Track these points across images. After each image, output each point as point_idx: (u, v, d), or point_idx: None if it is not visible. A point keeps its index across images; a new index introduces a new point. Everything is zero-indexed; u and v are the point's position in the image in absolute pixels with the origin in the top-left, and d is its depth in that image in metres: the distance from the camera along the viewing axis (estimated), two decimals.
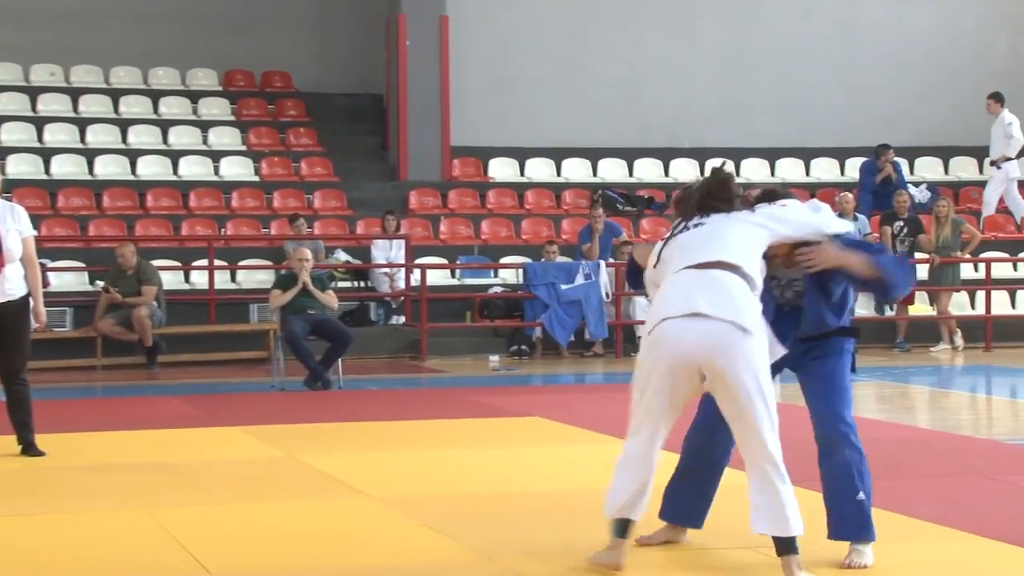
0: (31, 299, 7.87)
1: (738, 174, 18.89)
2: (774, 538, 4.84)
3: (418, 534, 5.78)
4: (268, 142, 18.28)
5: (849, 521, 4.98)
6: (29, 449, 7.96)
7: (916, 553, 5.32)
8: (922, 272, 15.99)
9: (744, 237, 4.94)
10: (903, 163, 18.37)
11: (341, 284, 15.32)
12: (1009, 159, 17.40)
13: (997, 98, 17.48)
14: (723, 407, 4.90)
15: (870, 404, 10.91)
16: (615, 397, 11.24)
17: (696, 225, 5.02)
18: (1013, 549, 5.25)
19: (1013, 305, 16.75)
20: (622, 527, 5.06)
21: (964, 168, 19.05)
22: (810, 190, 18.64)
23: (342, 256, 16.06)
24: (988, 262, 16.37)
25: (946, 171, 18.88)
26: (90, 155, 17.28)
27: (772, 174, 18.99)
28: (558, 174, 18.72)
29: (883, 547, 5.19)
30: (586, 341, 15.34)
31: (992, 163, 17.51)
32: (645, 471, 4.97)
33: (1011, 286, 16.72)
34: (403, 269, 15.60)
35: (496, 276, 16.35)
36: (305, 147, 18.39)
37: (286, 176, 17.81)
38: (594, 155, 18.80)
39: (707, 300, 4.77)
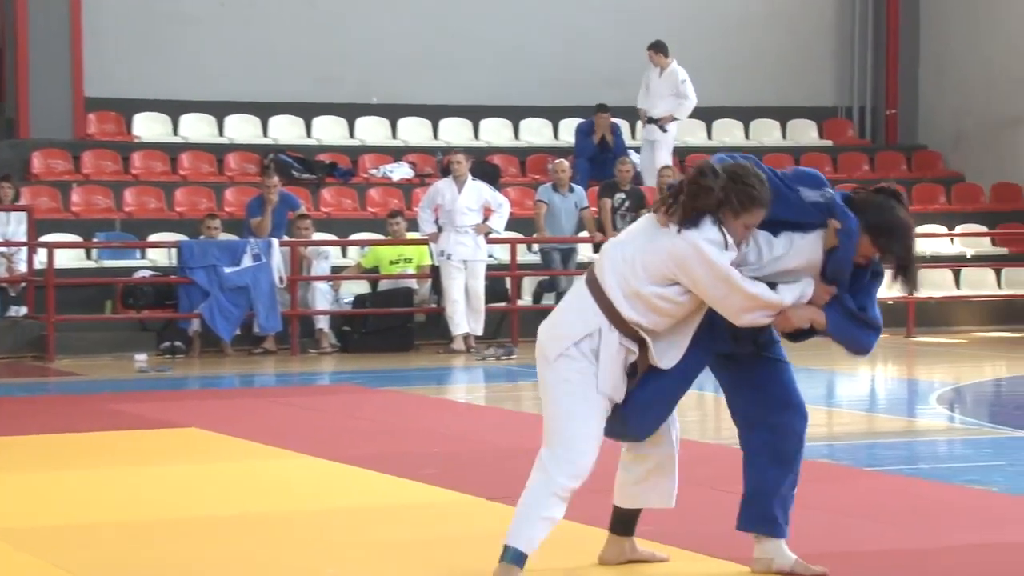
0: None
1: (436, 136, 19.09)
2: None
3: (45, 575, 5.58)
4: None
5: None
6: None
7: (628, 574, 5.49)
8: None
9: (653, 269, 5.13)
10: (624, 126, 18.93)
11: None
12: (675, 120, 18.00)
13: (660, 48, 18.02)
14: None
15: None
16: (290, 402, 11.19)
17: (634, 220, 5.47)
18: (735, 568, 5.47)
19: None
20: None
21: (692, 132, 19.80)
22: (518, 155, 19.02)
23: None
24: None
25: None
26: None
27: (476, 136, 19.24)
28: (220, 134, 18.42)
29: (591, 567, 5.35)
30: (255, 335, 15.19)
31: (650, 121, 18.03)
32: None
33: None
34: (24, 248, 15.05)
35: (143, 257, 15.99)
36: None
37: None
38: (265, 111, 18.57)
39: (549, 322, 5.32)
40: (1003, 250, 18.63)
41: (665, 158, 17.91)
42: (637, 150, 18.74)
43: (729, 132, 20.09)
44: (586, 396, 5.14)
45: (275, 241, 15.16)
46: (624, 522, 5.52)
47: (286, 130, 18.63)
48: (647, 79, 18.05)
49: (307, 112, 18.76)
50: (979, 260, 18.38)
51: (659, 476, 5.46)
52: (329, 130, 18.80)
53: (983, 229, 18.72)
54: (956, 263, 18.29)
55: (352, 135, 18.89)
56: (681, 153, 18.65)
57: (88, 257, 15.93)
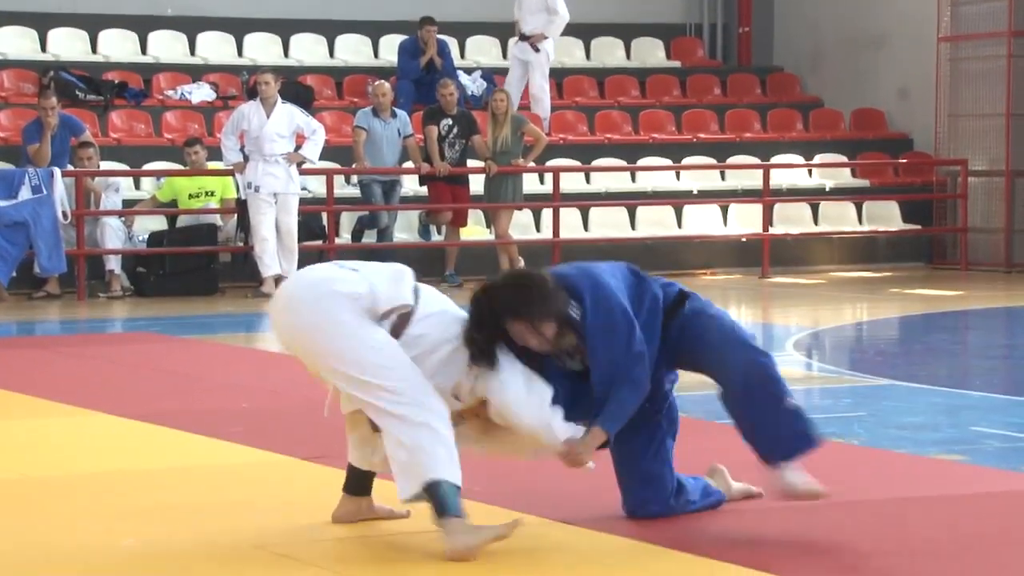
0: None
1: (240, 53, 18.89)
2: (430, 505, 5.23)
3: None
4: None
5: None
6: None
7: None
8: (476, 184, 16.59)
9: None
10: (452, 43, 18.91)
11: None
12: (546, 38, 18.20)
13: None
14: None
15: None
16: (78, 353, 11.05)
17: None
18: (561, 527, 5.59)
19: (585, 226, 17.71)
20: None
21: (526, 52, 19.81)
22: (334, 76, 18.90)
23: None
24: (556, 172, 17.19)
25: (503, 55, 19.61)
26: None
27: (285, 54, 19.06)
28: None
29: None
30: (36, 277, 14.98)
31: (524, 38, 18.23)
32: None
33: (583, 202, 17.67)
34: None
35: None
36: None
37: None
38: (44, 23, 18.20)
39: None
40: (864, 182, 19.07)
41: (540, 82, 18.05)
42: (468, 71, 18.76)
43: (568, 52, 20.18)
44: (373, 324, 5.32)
45: (57, 171, 14.89)
46: (359, 481, 5.64)
47: (68, 45, 18.27)
48: None
49: (92, 25, 18.42)
50: (839, 193, 18.78)
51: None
52: (117, 45, 18.49)
53: (843, 159, 19.13)
54: (814, 196, 18.66)
55: (144, 51, 18.60)
56: None
57: None
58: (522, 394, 5.35)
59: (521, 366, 5.38)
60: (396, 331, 5.32)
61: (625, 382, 5.43)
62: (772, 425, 5.64)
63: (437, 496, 5.17)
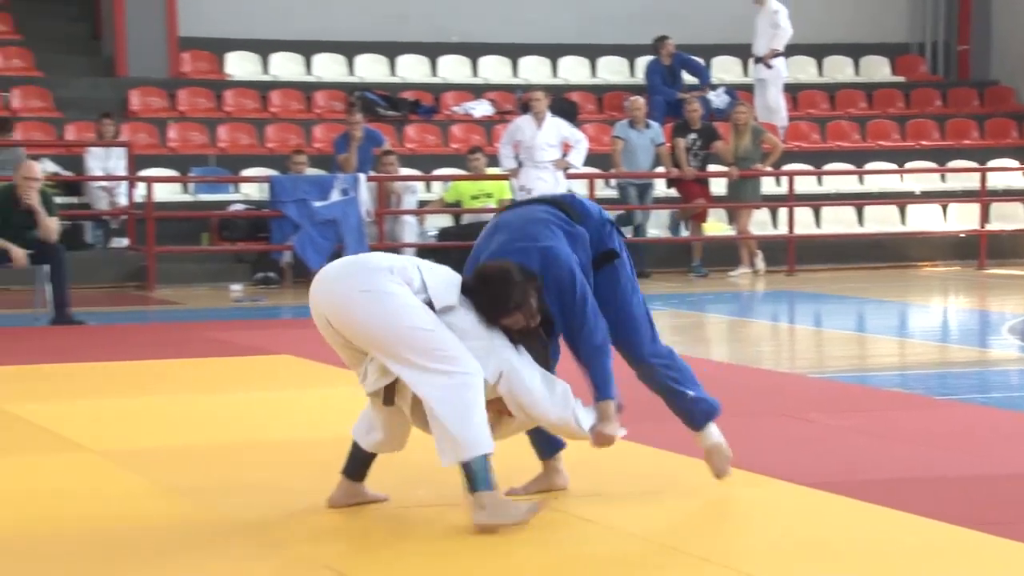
0: None
1: (515, 74, 19.05)
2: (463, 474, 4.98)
3: (149, 495, 5.67)
4: None
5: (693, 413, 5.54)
6: None
7: (712, 501, 5.51)
8: (719, 187, 16.45)
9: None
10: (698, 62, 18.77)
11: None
12: (779, 54, 17.97)
13: None
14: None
15: (663, 335, 11.17)
16: None
17: None
18: (814, 493, 5.47)
19: (818, 223, 17.43)
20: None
21: (761, 71, 19.53)
22: (596, 92, 18.94)
23: (50, 167, 15.53)
24: (791, 175, 16.95)
25: (745, 72, 19.40)
26: None
27: (554, 74, 19.17)
28: (308, 72, 18.49)
29: (676, 497, 5.41)
30: None
31: (759, 60, 18.07)
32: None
33: (815, 202, 17.39)
34: (124, 182, 15.22)
35: (237, 191, 16.12)
36: None
37: None
38: (349, 50, 18.61)
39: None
40: None
41: (775, 96, 17.93)
42: (713, 87, 18.63)
43: (803, 69, 19.90)
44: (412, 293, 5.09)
45: (362, 176, 15.23)
46: (362, 466, 5.44)
47: (371, 68, 18.67)
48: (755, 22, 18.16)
49: (389, 51, 18.78)
50: None
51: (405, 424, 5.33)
52: (412, 68, 18.82)
53: None
54: None
55: (434, 73, 18.89)
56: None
57: (185, 191, 16.11)
58: (546, 393, 5.09)
59: (537, 365, 5.15)
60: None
61: (592, 351, 5.21)
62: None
63: (471, 472, 4.93)
